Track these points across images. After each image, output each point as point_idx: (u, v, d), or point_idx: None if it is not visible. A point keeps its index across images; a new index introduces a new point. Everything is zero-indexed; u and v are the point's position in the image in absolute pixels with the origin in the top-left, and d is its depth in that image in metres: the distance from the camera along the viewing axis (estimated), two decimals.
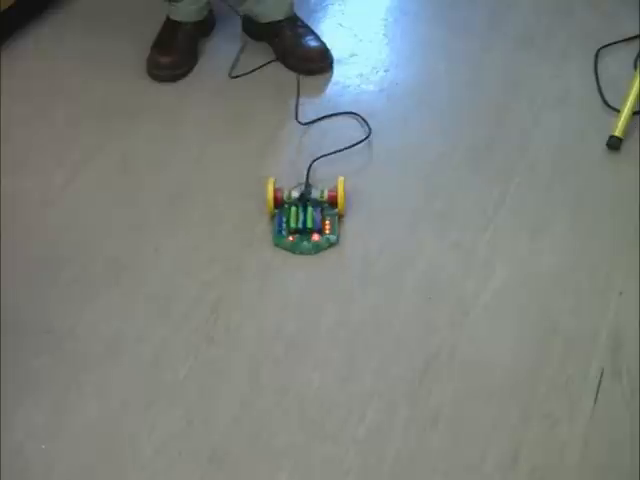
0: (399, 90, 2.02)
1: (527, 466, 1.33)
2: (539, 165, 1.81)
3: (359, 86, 2.03)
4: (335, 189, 1.70)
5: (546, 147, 1.85)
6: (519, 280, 1.59)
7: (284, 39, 2.06)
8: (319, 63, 2.06)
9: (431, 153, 1.85)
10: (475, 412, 1.40)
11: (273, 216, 1.70)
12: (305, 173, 1.76)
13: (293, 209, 1.69)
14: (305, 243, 1.65)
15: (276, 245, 1.66)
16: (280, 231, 1.67)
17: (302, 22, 2.10)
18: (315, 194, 1.71)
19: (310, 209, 1.69)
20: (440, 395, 1.42)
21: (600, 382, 1.43)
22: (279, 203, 1.70)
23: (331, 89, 2.02)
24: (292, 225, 1.66)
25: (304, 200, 1.70)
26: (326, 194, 1.71)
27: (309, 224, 1.66)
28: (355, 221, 1.71)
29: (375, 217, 1.72)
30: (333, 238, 1.67)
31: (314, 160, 1.79)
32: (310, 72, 2.05)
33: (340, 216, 1.70)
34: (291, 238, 1.66)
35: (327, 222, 1.69)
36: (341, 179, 1.69)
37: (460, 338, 1.50)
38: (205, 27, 2.14)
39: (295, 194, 1.71)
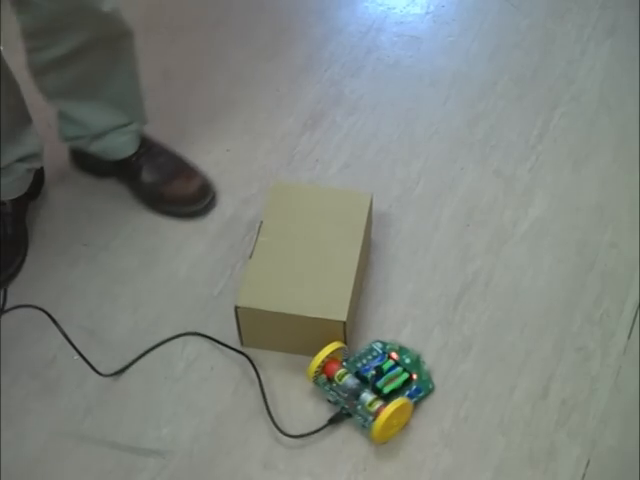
0: (445, 12, 1.98)
1: (557, 398, 1.32)
2: (584, 96, 1.78)
3: (405, 8, 2.00)
4: None
5: (592, 78, 1.81)
6: (558, 211, 1.58)
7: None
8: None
9: (476, 79, 1.82)
10: (508, 341, 1.40)
11: None
12: None
13: None
14: None
15: None
16: None
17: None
18: None
19: None
20: (474, 322, 1.42)
21: (635, 317, 1.42)
22: None
23: (376, 13, 1.98)
24: None
25: None
26: None
27: None
28: (390, 137, 1.69)
29: (417, 141, 1.71)
30: None
31: None
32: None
33: None
34: None
35: None
36: None
37: (496, 267, 1.49)
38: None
39: None
